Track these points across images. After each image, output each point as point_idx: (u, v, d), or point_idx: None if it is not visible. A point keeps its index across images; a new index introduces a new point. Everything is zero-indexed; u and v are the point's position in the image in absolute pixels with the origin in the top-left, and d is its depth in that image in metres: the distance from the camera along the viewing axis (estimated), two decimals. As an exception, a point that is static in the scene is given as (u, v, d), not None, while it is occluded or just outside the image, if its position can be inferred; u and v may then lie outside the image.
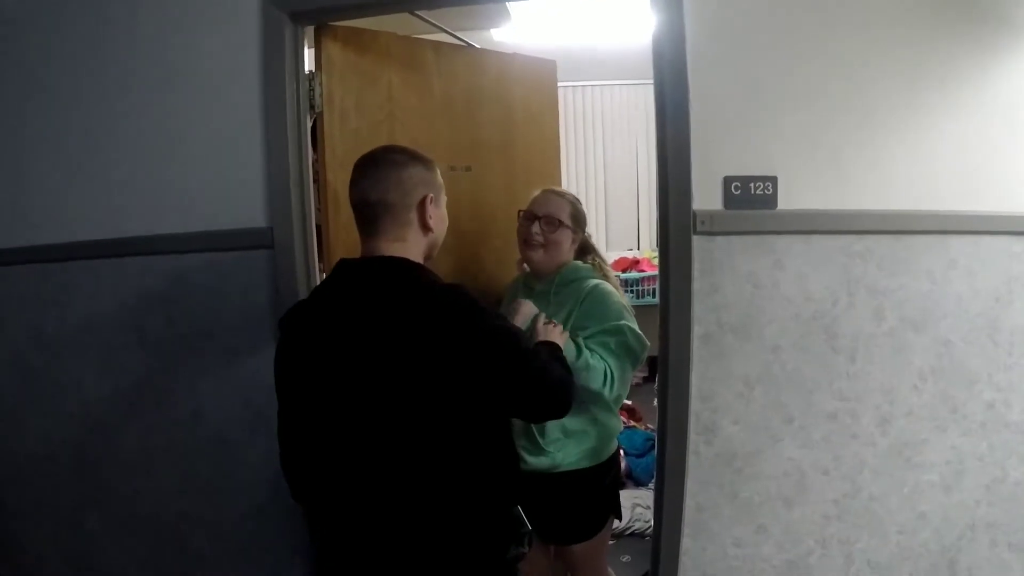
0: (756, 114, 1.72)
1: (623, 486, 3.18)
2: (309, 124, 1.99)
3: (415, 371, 1.25)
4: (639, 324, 1.90)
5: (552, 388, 1.34)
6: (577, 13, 4.12)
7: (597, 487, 2.00)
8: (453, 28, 2.54)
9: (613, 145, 5.54)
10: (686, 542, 1.84)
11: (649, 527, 2.50)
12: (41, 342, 2.11)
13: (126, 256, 2.01)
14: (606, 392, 1.80)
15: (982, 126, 1.73)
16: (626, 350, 1.84)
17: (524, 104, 2.56)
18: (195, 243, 1.94)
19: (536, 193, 2.06)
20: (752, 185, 1.72)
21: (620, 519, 2.16)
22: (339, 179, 1.98)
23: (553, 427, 1.91)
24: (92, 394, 2.09)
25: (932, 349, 1.76)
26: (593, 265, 2.05)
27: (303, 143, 1.93)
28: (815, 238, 1.73)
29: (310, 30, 1.99)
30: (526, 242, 2.00)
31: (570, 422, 1.90)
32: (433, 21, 2.38)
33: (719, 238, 1.74)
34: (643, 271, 4.83)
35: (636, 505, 3.14)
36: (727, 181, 1.73)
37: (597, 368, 1.78)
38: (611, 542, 2.21)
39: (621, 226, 5.55)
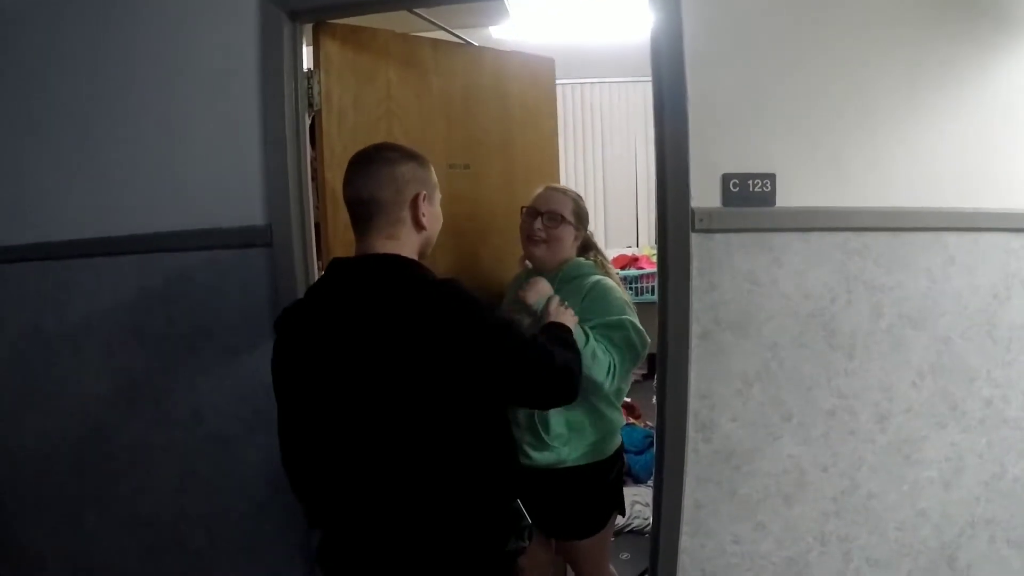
0: (754, 111, 1.72)
1: (625, 483, 3.18)
2: (307, 122, 1.99)
3: (412, 366, 1.25)
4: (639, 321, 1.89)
5: (557, 372, 1.34)
6: (576, 10, 4.11)
7: (601, 482, 2.01)
8: (452, 26, 2.54)
9: (612, 142, 5.54)
10: (685, 539, 1.84)
11: (648, 524, 2.50)
12: (40, 340, 2.11)
13: (125, 254, 2.00)
14: (607, 384, 1.80)
15: (981, 123, 1.73)
16: (628, 344, 1.85)
17: (522, 102, 2.56)
18: (194, 241, 1.94)
19: (539, 190, 2.07)
20: (750, 182, 1.72)
21: (624, 514, 2.17)
22: (337, 177, 1.95)
23: (557, 423, 1.91)
24: (91, 392, 2.09)
25: (931, 346, 1.76)
26: (595, 262, 2.06)
27: (301, 141, 1.93)
28: (813, 235, 1.73)
29: (308, 28, 1.98)
30: (529, 238, 2.01)
31: (573, 417, 1.91)
32: (431, 19, 2.38)
33: (717, 235, 1.74)
34: (642, 268, 4.83)
35: (635, 502, 3.14)
36: (725, 178, 1.73)
37: (602, 360, 1.78)
38: (611, 539, 2.21)
39: (620, 223, 5.56)
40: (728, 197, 1.73)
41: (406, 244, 1.40)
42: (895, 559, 1.85)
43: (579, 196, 2.08)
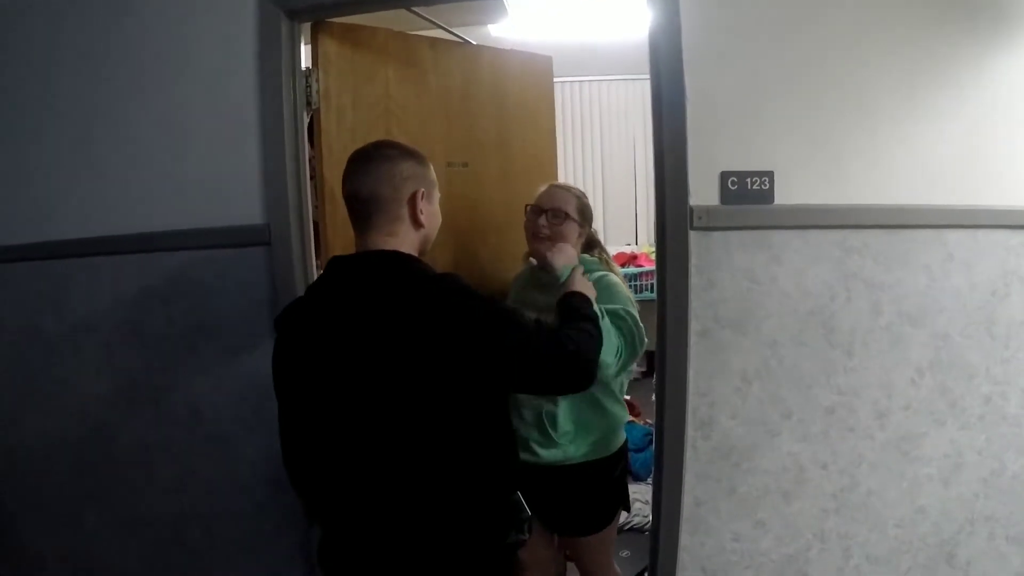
0: (752, 109, 1.72)
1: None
2: (306, 120, 1.99)
3: (414, 360, 1.25)
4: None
5: (568, 356, 1.33)
6: (574, 8, 4.11)
7: (607, 479, 2.02)
8: (450, 24, 2.54)
9: (610, 140, 5.55)
10: (684, 537, 1.84)
11: (648, 522, 2.50)
12: (39, 340, 2.11)
13: (124, 253, 2.00)
14: (613, 367, 1.76)
15: (979, 120, 1.73)
16: (630, 334, 1.84)
17: (520, 100, 2.56)
18: (192, 240, 1.94)
19: (543, 188, 2.07)
20: (749, 180, 1.72)
21: (628, 510, 2.18)
22: (336, 175, 1.96)
23: (565, 419, 1.93)
24: (91, 392, 2.08)
25: (930, 343, 1.76)
26: (600, 259, 2.06)
27: (300, 140, 1.93)
28: (812, 233, 1.73)
29: (307, 27, 1.98)
30: (534, 235, 2.01)
31: (580, 413, 1.93)
32: (430, 18, 2.38)
33: (716, 233, 1.74)
34: (641, 266, 4.82)
35: (635, 500, 3.13)
36: (724, 176, 1.73)
37: (613, 339, 1.75)
38: (616, 535, 2.22)
39: (618, 221, 5.57)
40: (726, 195, 1.73)
41: (405, 241, 1.40)
42: (894, 556, 1.85)
43: (583, 193, 2.08)
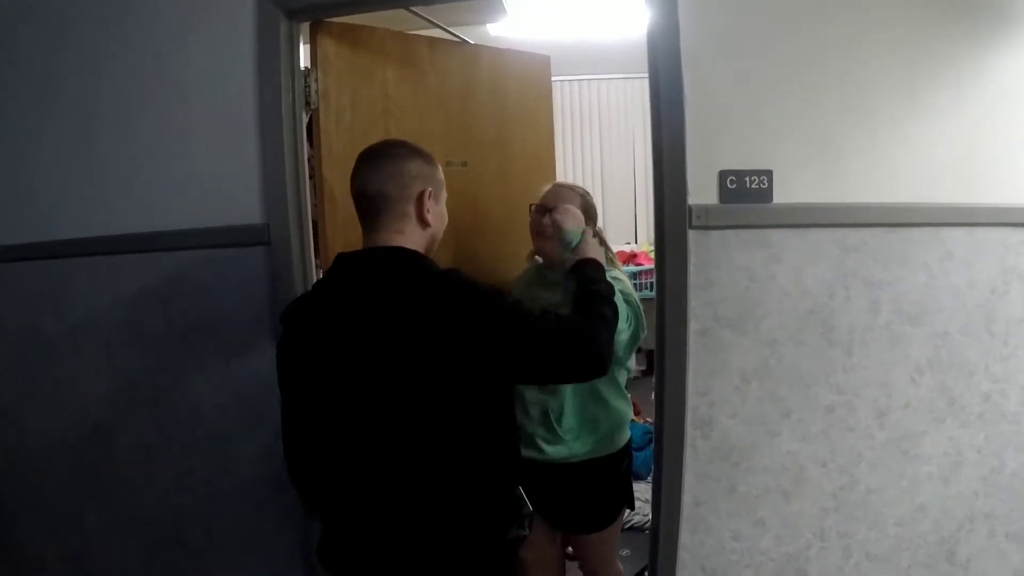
0: (751, 107, 1.72)
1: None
2: (305, 120, 1.99)
3: (420, 354, 1.26)
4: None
5: (580, 338, 1.34)
6: (573, 7, 4.11)
7: (612, 476, 2.03)
8: (449, 24, 2.53)
9: (609, 139, 5.55)
10: (684, 536, 1.84)
11: (648, 521, 2.50)
12: (39, 340, 2.11)
13: (124, 253, 2.00)
14: (625, 331, 1.74)
15: (978, 118, 1.73)
16: (636, 317, 1.82)
17: (519, 99, 2.56)
18: (192, 240, 1.94)
19: (547, 187, 2.08)
20: (747, 179, 1.72)
21: (632, 508, 2.19)
22: (335, 175, 1.98)
23: (570, 415, 1.94)
24: (90, 392, 2.08)
25: (929, 341, 1.77)
26: (605, 258, 2.06)
27: (299, 139, 1.93)
28: (811, 231, 1.73)
29: (305, 26, 1.98)
30: (539, 233, 2.02)
31: (585, 410, 1.94)
32: (428, 17, 2.37)
33: (715, 232, 1.74)
34: (640, 265, 4.83)
35: (635, 499, 3.13)
36: (722, 175, 1.73)
37: (621, 310, 1.69)
38: (619, 533, 2.22)
39: (618, 220, 5.57)
40: (725, 194, 1.73)
41: (411, 240, 1.40)
42: (894, 554, 1.85)
43: (587, 192, 2.08)
